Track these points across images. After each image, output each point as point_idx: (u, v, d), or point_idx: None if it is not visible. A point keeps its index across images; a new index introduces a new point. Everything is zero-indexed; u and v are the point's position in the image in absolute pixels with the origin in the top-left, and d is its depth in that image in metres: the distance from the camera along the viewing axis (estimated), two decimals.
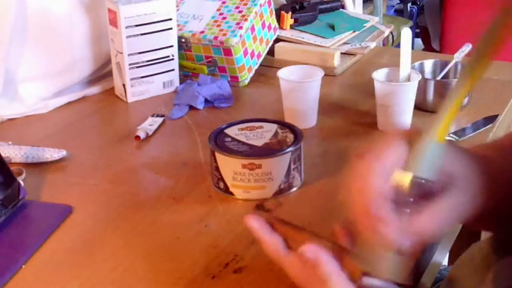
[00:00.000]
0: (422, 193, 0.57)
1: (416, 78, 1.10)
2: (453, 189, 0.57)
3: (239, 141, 0.94)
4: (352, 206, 0.57)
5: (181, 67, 1.33)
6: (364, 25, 1.53)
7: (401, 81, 1.12)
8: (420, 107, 1.15)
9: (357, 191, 0.56)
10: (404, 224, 0.55)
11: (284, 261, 0.61)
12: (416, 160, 0.56)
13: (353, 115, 1.18)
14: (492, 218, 0.66)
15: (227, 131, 0.97)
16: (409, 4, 3.59)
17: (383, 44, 1.67)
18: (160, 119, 1.16)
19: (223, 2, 1.36)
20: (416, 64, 1.20)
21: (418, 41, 3.30)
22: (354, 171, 0.57)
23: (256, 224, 0.62)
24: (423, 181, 0.56)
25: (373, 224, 0.55)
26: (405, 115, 1.10)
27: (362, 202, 0.56)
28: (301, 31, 1.47)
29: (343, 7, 1.73)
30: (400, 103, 1.09)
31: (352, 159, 0.58)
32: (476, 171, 0.60)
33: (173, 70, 1.30)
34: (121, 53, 1.23)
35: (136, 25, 1.22)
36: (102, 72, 1.34)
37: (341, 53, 1.40)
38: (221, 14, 1.33)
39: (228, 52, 1.29)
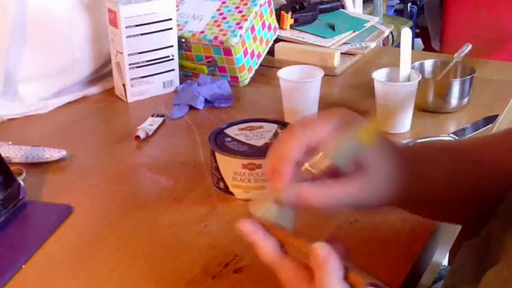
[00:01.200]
0: (330, 173, 0.60)
1: (416, 78, 1.10)
2: (358, 175, 0.60)
3: (239, 141, 0.94)
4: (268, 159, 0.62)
5: (181, 67, 1.33)
6: (364, 25, 1.53)
7: (401, 81, 1.12)
8: (420, 107, 1.15)
9: (275, 148, 0.62)
10: (299, 187, 0.60)
11: (278, 265, 0.59)
12: (336, 146, 0.59)
13: None
14: (430, 206, 0.70)
15: (227, 131, 0.97)
16: (409, 4, 3.59)
17: (383, 44, 1.67)
18: (160, 119, 1.16)
19: (223, 2, 1.36)
20: (416, 64, 1.20)
21: (418, 41, 3.30)
22: (283, 133, 0.63)
23: (250, 227, 0.60)
24: (335, 164, 0.60)
25: (272, 174, 0.60)
26: (405, 115, 1.10)
27: (272, 156, 0.61)
28: (301, 31, 1.47)
29: (343, 7, 1.73)
30: (400, 103, 1.08)
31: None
32: (395, 162, 0.63)
33: (173, 70, 1.30)
34: (121, 53, 1.23)
35: (136, 25, 1.22)
36: (102, 72, 1.34)
37: (341, 53, 1.40)
38: (221, 14, 1.33)
39: (228, 52, 1.29)
